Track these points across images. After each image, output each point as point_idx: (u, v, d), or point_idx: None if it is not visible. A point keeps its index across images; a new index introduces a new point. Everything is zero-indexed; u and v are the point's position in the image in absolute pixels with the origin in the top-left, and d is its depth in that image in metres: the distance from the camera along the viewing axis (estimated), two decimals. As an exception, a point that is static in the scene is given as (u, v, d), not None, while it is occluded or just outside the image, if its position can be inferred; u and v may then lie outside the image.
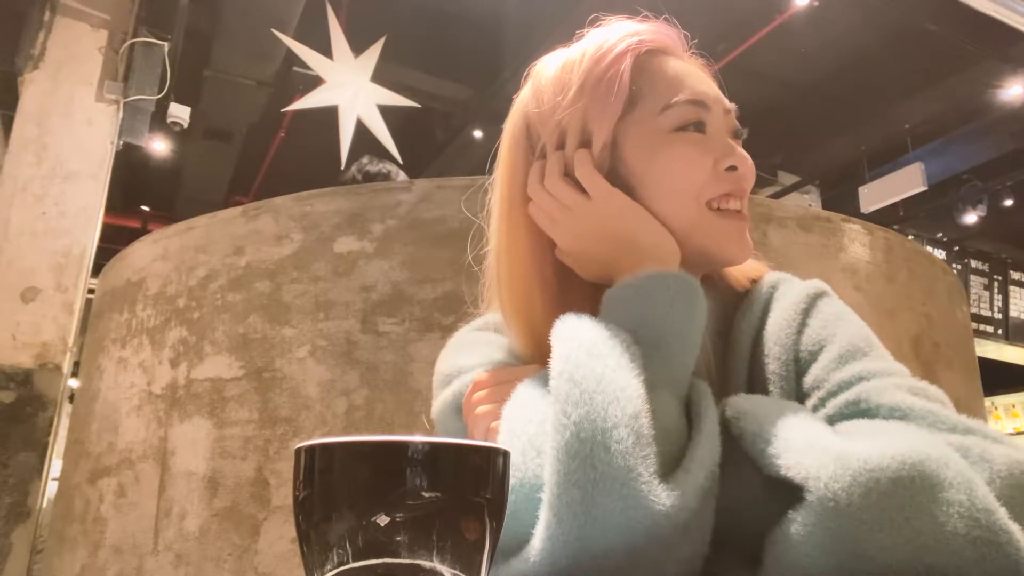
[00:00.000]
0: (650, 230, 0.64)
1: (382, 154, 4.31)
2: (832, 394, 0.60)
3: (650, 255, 0.63)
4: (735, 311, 0.70)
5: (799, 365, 0.64)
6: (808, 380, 0.62)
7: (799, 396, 0.63)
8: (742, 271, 0.74)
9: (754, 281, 0.72)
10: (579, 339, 0.55)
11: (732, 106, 0.70)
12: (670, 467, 0.51)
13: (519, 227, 0.68)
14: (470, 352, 0.70)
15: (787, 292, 0.69)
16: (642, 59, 0.67)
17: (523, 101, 0.71)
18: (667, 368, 0.57)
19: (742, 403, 0.58)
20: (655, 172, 0.65)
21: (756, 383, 0.65)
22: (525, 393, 0.57)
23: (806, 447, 0.50)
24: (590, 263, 0.66)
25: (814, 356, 0.63)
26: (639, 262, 0.62)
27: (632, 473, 0.48)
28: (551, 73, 0.69)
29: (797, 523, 0.48)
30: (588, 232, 0.65)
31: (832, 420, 0.58)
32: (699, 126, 0.66)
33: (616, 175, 0.66)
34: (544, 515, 0.49)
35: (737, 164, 0.66)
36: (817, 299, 0.68)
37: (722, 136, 0.67)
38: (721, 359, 0.68)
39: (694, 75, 0.69)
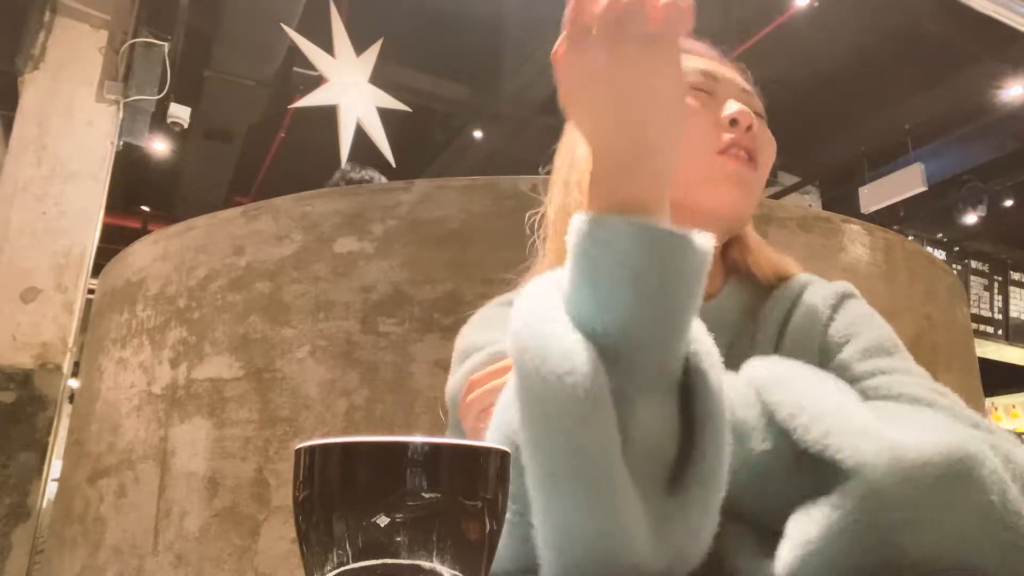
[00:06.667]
0: (668, 122, 0.49)
1: (379, 154, 4.33)
2: (855, 380, 0.60)
3: (647, 161, 0.49)
4: (763, 302, 0.71)
5: (823, 354, 0.65)
6: (831, 368, 0.62)
7: None
8: (772, 267, 0.74)
9: (783, 279, 0.73)
10: (528, 377, 0.46)
11: (749, 88, 0.73)
12: (662, 489, 0.47)
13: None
14: (490, 327, 0.67)
15: (818, 290, 0.71)
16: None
17: None
18: (644, 372, 0.47)
19: (777, 370, 0.54)
20: None
21: None
22: (494, 424, 0.51)
23: (859, 432, 0.47)
24: (584, 127, 0.52)
25: (840, 347, 0.64)
26: (626, 172, 0.49)
27: (611, 549, 0.43)
28: None
29: (834, 506, 0.46)
30: (598, 82, 0.49)
31: None
32: (702, 89, 0.70)
33: None
34: None
35: (738, 117, 0.68)
36: (846, 298, 0.70)
37: (727, 96, 0.70)
38: (748, 344, 0.68)
39: (711, 59, 0.74)
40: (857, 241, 1.63)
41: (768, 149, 0.71)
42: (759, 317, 0.70)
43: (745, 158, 0.68)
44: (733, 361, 0.61)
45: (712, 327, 0.64)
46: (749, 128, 0.68)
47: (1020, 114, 5.26)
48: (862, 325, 0.65)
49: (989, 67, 5.01)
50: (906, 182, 5.68)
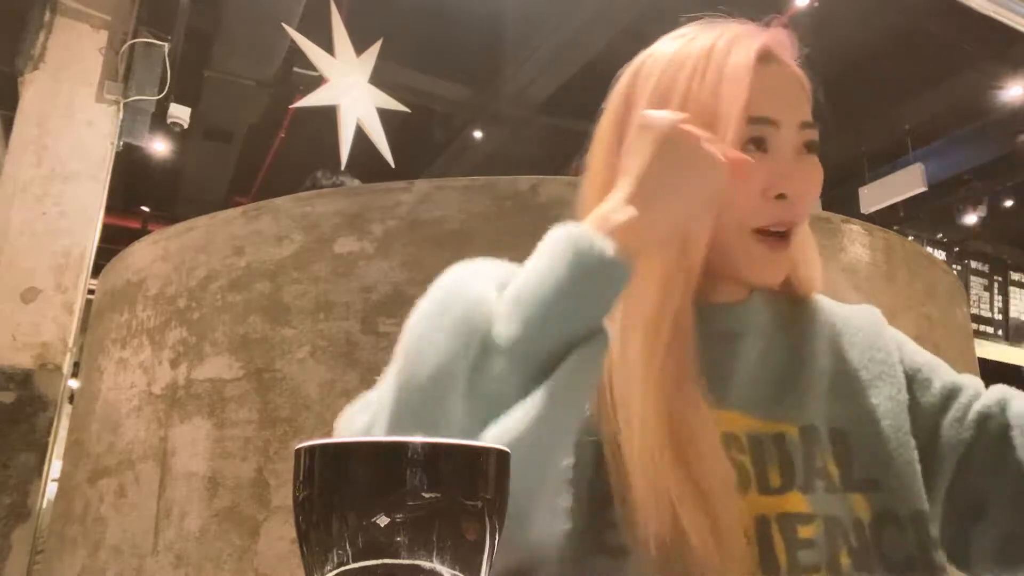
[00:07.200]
0: (702, 192, 0.58)
1: (379, 154, 4.33)
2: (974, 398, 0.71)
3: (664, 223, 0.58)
4: (793, 315, 0.72)
5: (910, 374, 0.73)
6: (937, 388, 0.73)
7: (922, 401, 0.72)
8: (804, 282, 0.74)
9: (806, 293, 0.74)
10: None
11: (809, 116, 0.67)
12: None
13: None
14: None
15: (855, 313, 0.75)
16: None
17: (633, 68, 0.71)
18: (529, 356, 0.56)
19: None
20: None
21: (847, 390, 0.69)
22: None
23: None
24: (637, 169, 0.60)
25: (922, 371, 0.74)
26: (642, 216, 0.57)
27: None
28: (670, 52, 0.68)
29: None
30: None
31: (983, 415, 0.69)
32: (759, 143, 0.64)
33: None
34: None
35: (787, 191, 0.64)
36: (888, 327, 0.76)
37: (783, 156, 0.65)
38: (783, 364, 0.69)
39: (775, 86, 0.66)
40: (857, 241, 1.63)
41: (811, 194, 0.67)
42: (796, 334, 0.70)
43: (780, 235, 0.65)
44: (769, 367, 0.68)
45: (744, 329, 0.68)
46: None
47: (1020, 114, 5.27)
48: (922, 352, 0.76)
49: (989, 67, 5.01)
50: (906, 182, 5.69)
